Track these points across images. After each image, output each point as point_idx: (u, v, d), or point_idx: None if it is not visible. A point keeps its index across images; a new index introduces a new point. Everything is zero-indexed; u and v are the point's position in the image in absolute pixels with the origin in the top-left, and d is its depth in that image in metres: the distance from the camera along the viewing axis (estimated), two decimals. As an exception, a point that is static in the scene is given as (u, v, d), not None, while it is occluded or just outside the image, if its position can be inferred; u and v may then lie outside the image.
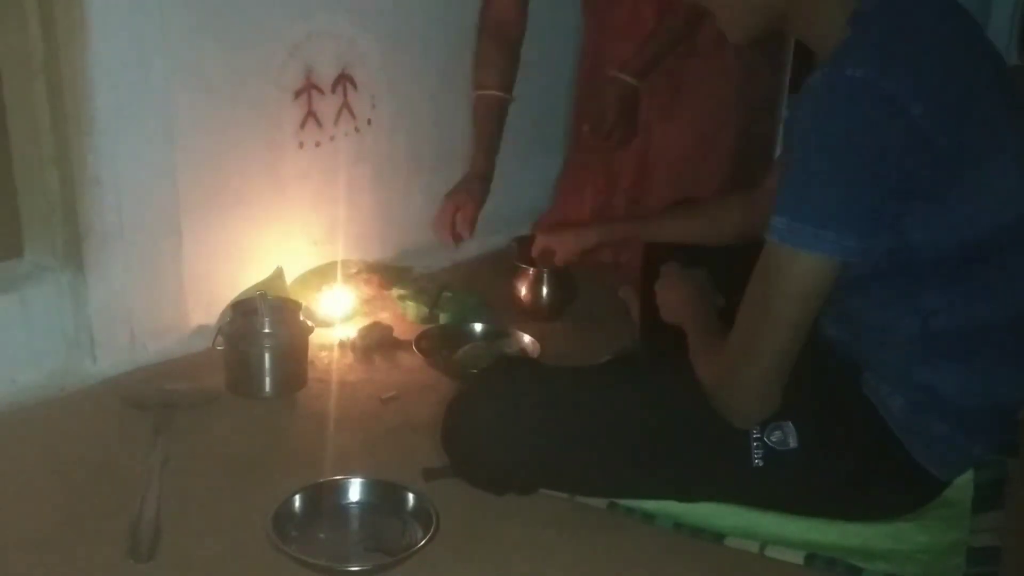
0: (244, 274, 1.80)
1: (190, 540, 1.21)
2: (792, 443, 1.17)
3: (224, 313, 1.73)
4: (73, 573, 1.15)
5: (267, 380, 1.59)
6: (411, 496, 1.25)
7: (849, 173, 1.01)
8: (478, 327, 1.84)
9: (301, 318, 1.64)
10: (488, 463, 1.26)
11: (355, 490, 1.28)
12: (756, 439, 1.17)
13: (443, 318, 1.89)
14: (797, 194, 1.04)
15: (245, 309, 1.60)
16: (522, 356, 1.72)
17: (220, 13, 1.68)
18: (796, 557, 1.19)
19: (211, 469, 1.37)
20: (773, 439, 1.17)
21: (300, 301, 1.70)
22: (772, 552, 1.20)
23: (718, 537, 1.23)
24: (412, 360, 1.74)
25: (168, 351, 1.70)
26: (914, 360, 1.14)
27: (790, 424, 1.17)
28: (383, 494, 1.27)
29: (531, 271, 1.96)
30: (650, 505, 1.27)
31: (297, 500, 1.23)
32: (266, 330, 1.58)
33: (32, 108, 1.52)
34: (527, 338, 1.78)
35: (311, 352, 1.67)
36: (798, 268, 1.04)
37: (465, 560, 1.19)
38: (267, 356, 1.58)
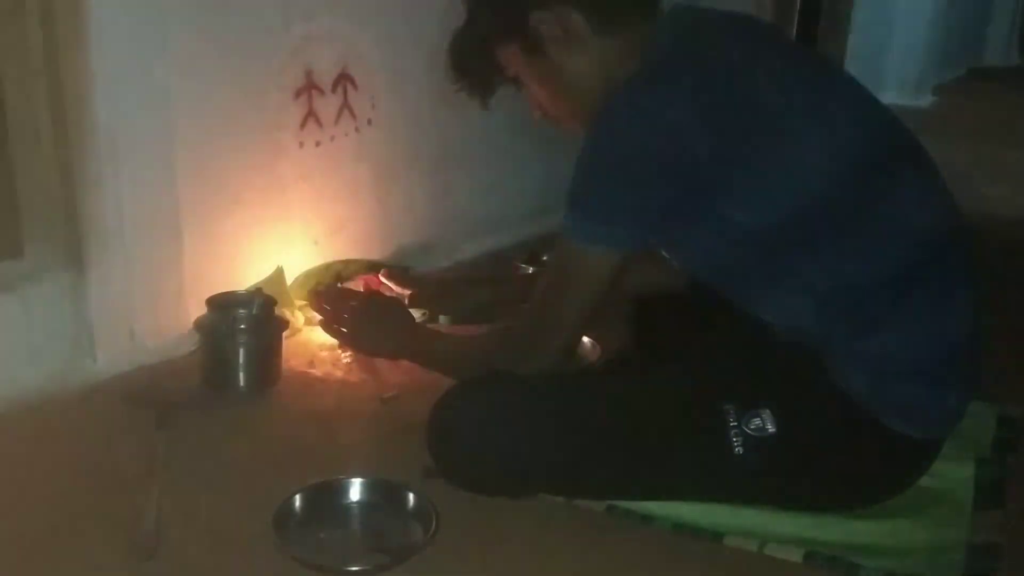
0: (244, 274, 1.81)
1: (190, 540, 1.21)
2: (771, 428, 1.18)
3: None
4: (73, 573, 1.15)
5: (241, 376, 1.60)
6: (411, 496, 1.25)
7: (620, 175, 1.15)
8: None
9: (276, 312, 1.64)
10: (472, 467, 1.26)
11: (355, 490, 1.28)
12: (734, 427, 1.18)
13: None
14: (580, 195, 1.19)
15: (218, 304, 1.61)
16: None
17: (220, 14, 1.68)
18: (795, 555, 1.19)
19: (211, 469, 1.37)
20: (751, 427, 1.18)
21: (274, 296, 1.69)
22: (771, 550, 1.20)
23: (717, 537, 1.23)
24: (412, 360, 1.74)
25: (168, 350, 1.70)
26: (852, 334, 1.17)
27: (767, 411, 1.18)
28: (383, 494, 1.27)
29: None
30: (649, 506, 1.27)
31: (297, 500, 1.23)
32: (241, 326, 1.59)
33: (32, 108, 1.52)
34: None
35: (311, 352, 1.67)
36: (589, 260, 1.20)
37: (465, 560, 1.19)
38: (241, 352, 1.59)
